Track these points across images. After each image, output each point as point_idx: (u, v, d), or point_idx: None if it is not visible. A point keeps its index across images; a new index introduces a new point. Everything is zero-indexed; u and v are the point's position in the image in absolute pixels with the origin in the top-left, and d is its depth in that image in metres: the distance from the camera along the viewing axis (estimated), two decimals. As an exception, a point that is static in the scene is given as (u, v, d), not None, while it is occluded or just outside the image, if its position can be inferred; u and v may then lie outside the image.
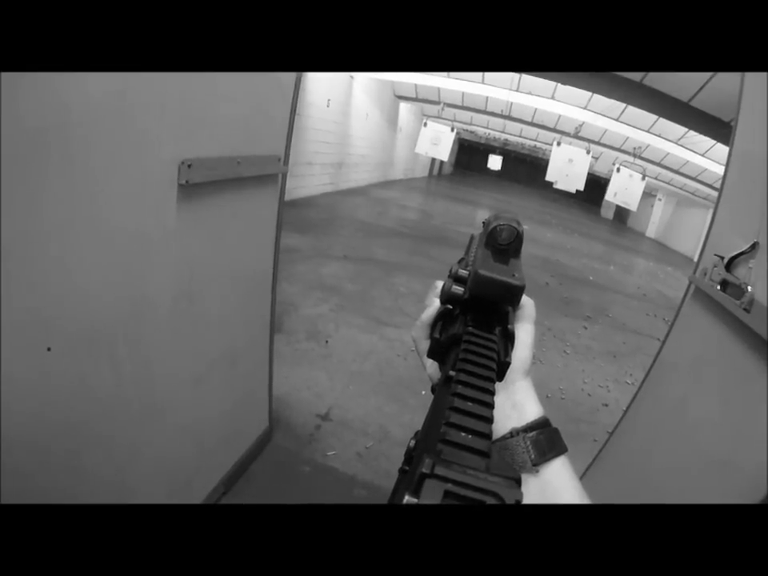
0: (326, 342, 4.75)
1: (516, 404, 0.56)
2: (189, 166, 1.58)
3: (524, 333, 0.60)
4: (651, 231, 24.13)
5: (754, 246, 1.57)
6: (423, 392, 4.02)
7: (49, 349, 1.27)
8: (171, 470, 2.06)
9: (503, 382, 0.56)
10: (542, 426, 0.55)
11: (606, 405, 4.74)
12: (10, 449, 1.22)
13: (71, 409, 1.41)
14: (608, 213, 29.70)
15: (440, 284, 0.62)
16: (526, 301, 0.63)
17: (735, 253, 1.65)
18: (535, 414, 0.56)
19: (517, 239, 0.59)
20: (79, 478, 1.52)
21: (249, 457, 2.83)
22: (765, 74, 1.66)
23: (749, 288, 1.51)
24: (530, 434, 0.53)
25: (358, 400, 3.89)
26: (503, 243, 0.59)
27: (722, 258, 1.71)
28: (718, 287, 1.71)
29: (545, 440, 0.53)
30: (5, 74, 0.95)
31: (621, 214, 27.67)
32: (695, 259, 2.09)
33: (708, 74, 7.58)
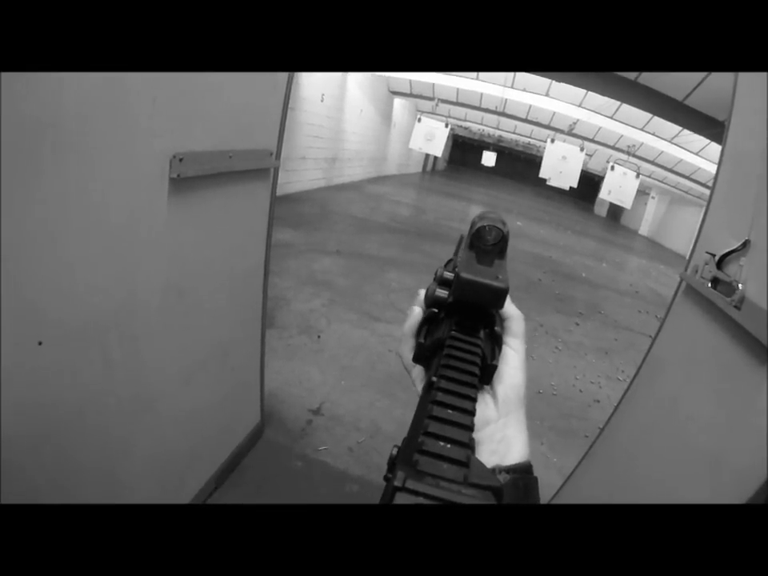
0: (318, 336, 4.75)
1: (505, 439, 0.53)
2: (180, 159, 1.58)
3: (513, 354, 0.58)
4: (644, 229, 24.23)
5: (745, 244, 1.58)
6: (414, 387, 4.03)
7: (40, 343, 1.26)
8: (162, 464, 2.06)
9: (498, 411, 0.54)
10: (523, 470, 0.51)
11: (598, 401, 4.76)
12: (8, 444, 1.22)
13: (62, 403, 1.41)
14: (601, 210, 29.79)
15: (423, 292, 0.61)
16: (515, 313, 0.60)
17: (727, 250, 1.65)
18: (520, 456, 0.52)
19: (501, 240, 0.58)
20: (70, 473, 1.51)
21: (240, 451, 2.83)
22: (757, 74, 1.66)
23: (740, 285, 1.52)
24: (510, 477, 0.50)
25: (349, 395, 3.90)
26: (487, 244, 0.58)
27: (714, 255, 1.71)
28: (709, 284, 1.71)
29: (522, 487, 0.50)
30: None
31: (614, 211, 27.76)
32: (687, 257, 2.10)
33: (702, 74, 7.60)
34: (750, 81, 1.78)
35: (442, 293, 0.57)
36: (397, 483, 0.32)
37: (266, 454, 3.00)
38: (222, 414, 2.57)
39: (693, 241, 2.03)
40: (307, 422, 3.45)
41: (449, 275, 0.57)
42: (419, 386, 0.60)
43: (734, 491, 1.37)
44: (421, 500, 0.31)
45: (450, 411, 0.41)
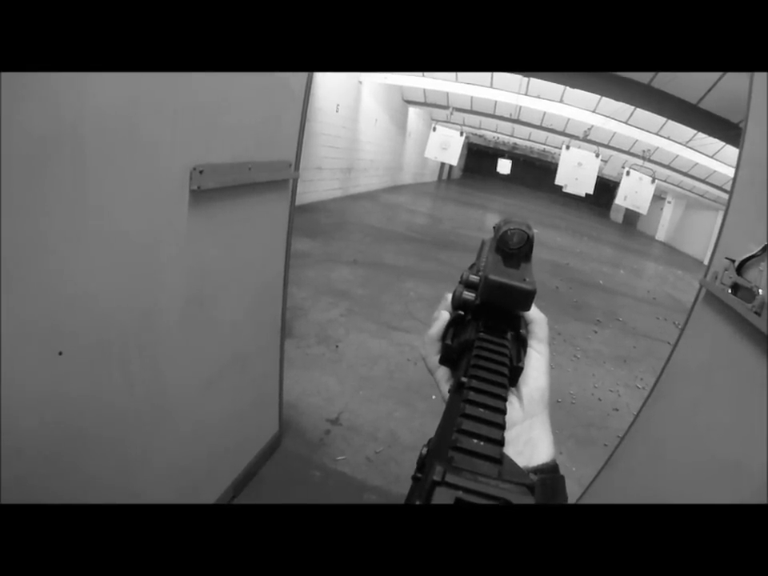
0: (336, 346, 4.75)
1: (530, 440, 0.53)
2: (200, 171, 1.59)
3: (537, 357, 0.58)
4: (661, 234, 24.04)
5: (765, 249, 1.56)
6: (433, 397, 4.02)
7: (60, 353, 1.27)
8: (181, 474, 2.06)
9: (523, 412, 0.55)
10: (550, 470, 0.52)
11: (617, 409, 4.72)
12: (21, 453, 1.23)
13: (82, 413, 1.41)
14: (617, 216, 29.59)
15: (449, 296, 0.61)
16: (538, 316, 0.61)
17: (746, 256, 1.64)
18: (546, 456, 0.53)
19: (527, 243, 0.58)
20: (88, 483, 1.52)
21: (259, 461, 2.84)
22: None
23: (760, 291, 1.51)
24: (537, 477, 0.50)
25: (367, 405, 3.90)
26: (514, 247, 0.58)
27: (733, 261, 1.70)
28: (729, 290, 1.70)
29: (550, 487, 0.50)
30: (18, 79, 0.97)
31: (630, 217, 27.56)
32: (705, 262, 2.09)
33: (716, 76, 7.56)
34: (765, 82, 1.77)
35: (469, 295, 0.57)
36: (436, 477, 0.32)
37: (284, 464, 3.00)
38: (241, 423, 2.58)
39: (711, 246, 2.02)
40: (325, 432, 3.45)
41: (475, 278, 0.58)
42: (444, 388, 0.61)
43: (756, 500, 1.35)
44: (460, 494, 0.31)
45: (482, 410, 0.41)
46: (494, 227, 0.63)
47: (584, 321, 7.32)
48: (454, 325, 0.59)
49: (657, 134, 11.60)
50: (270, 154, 2.11)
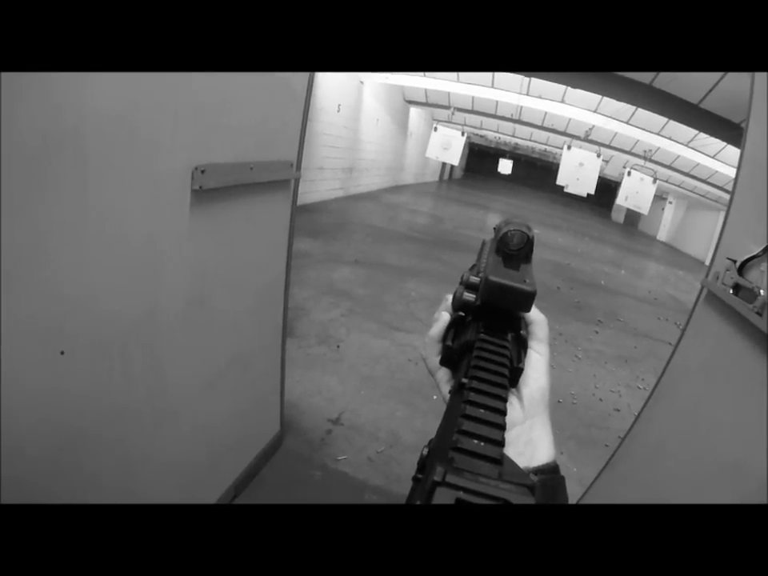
0: (338, 346, 4.75)
1: (531, 441, 0.54)
2: (202, 171, 1.59)
3: (538, 357, 0.58)
4: (662, 234, 24.04)
5: (766, 249, 1.56)
6: (435, 397, 4.01)
7: (62, 352, 1.27)
8: (182, 473, 2.06)
9: (523, 413, 0.55)
10: (551, 471, 0.52)
11: (618, 410, 4.71)
12: (22, 452, 1.23)
13: (82, 412, 1.41)
14: (619, 216, 29.58)
15: (449, 297, 0.61)
16: (538, 317, 0.61)
17: (748, 256, 1.64)
18: (547, 457, 0.53)
19: (527, 244, 0.58)
20: (89, 483, 1.52)
21: (260, 461, 2.84)
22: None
23: (761, 291, 1.51)
24: (538, 478, 0.50)
25: (369, 405, 3.89)
26: (514, 249, 0.58)
27: (735, 261, 1.70)
28: (731, 291, 1.70)
29: (550, 488, 0.50)
30: (18, 79, 0.97)
31: (631, 217, 27.56)
32: (706, 262, 2.09)
33: (717, 76, 7.55)
34: (766, 83, 1.77)
35: (470, 296, 0.57)
36: (436, 478, 0.32)
37: (285, 464, 3.00)
38: (242, 423, 2.58)
39: (712, 246, 2.02)
40: (326, 432, 3.45)
41: (475, 279, 0.58)
42: (444, 389, 0.61)
43: (756, 500, 1.35)
44: (461, 494, 0.31)
45: (482, 411, 0.41)
46: (494, 228, 0.62)
47: (585, 321, 7.32)
48: (454, 326, 0.59)
49: (658, 134, 11.58)
50: (272, 153, 2.11)
